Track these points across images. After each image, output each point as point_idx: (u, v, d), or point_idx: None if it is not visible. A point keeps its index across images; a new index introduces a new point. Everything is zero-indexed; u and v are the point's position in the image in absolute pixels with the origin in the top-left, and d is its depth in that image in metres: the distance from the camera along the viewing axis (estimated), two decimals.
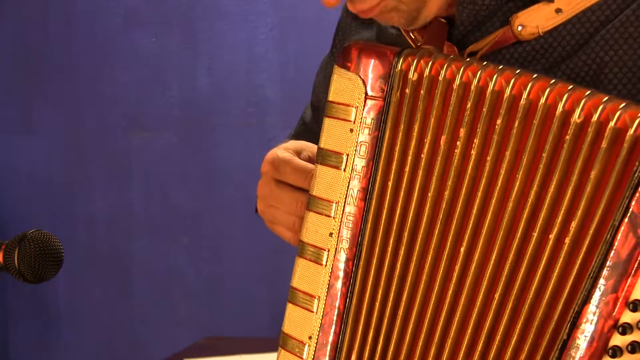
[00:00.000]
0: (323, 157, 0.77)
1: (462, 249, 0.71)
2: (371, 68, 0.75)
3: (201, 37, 2.79)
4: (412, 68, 0.73)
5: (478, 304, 0.70)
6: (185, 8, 2.80)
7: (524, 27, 0.84)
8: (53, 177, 2.88)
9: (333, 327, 0.76)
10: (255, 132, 2.77)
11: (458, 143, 0.71)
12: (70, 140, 2.87)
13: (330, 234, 0.77)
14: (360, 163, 0.75)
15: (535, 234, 0.67)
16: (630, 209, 0.62)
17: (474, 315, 0.71)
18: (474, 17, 0.85)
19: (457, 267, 0.71)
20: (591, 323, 0.63)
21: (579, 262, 0.65)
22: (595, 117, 0.64)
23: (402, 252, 0.74)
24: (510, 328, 0.69)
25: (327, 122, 0.77)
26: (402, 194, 0.74)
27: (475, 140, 0.70)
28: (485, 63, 0.71)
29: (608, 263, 0.63)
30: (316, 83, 1.18)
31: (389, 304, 0.75)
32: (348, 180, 0.76)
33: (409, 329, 0.74)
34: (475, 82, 0.70)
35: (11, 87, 2.90)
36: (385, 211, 0.75)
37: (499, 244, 0.69)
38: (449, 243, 0.72)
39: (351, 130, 0.76)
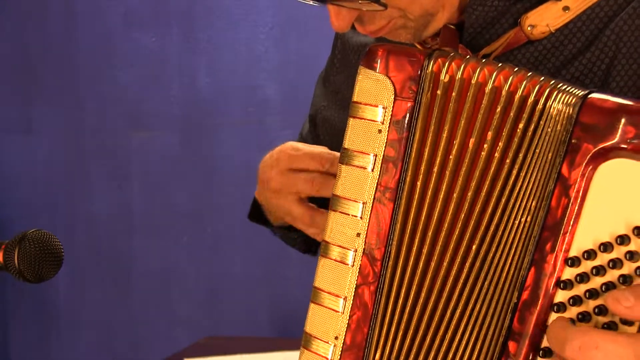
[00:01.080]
0: (349, 158, 0.77)
1: (474, 247, 0.73)
2: (400, 69, 0.75)
3: (201, 36, 2.79)
4: (444, 70, 0.74)
5: (496, 296, 0.71)
6: (186, 8, 2.80)
7: (534, 27, 0.85)
8: (53, 177, 2.88)
9: (362, 327, 0.77)
10: (255, 132, 2.77)
11: (485, 146, 0.72)
12: (70, 140, 2.87)
13: (358, 234, 0.77)
14: (388, 163, 0.76)
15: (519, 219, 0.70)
16: (561, 173, 0.66)
17: (485, 304, 0.72)
18: (482, 19, 0.87)
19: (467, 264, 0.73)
20: (536, 284, 0.67)
21: (527, 232, 0.69)
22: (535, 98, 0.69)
23: (424, 251, 0.75)
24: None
25: (352, 123, 0.77)
26: (429, 194, 0.75)
27: (500, 144, 0.71)
28: (517, 69, 0.73)
29: (547, 225, 0.67)
30: (315, 95, 1.19)
31: (419, 305, 0.75)
32: (377, 180, 0.76)
33: (439, 331, 0.74)
34: (506, 87, 0.72)
35: (11, 87, 2.90)
36: (413, 211, 0.75)
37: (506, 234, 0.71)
38: (464, 242, 0.73)
39: (379, 131, 0.76)
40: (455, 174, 0.74)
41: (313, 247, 1.18)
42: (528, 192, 0.69)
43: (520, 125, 0.70)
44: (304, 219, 0.92)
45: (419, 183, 0.75)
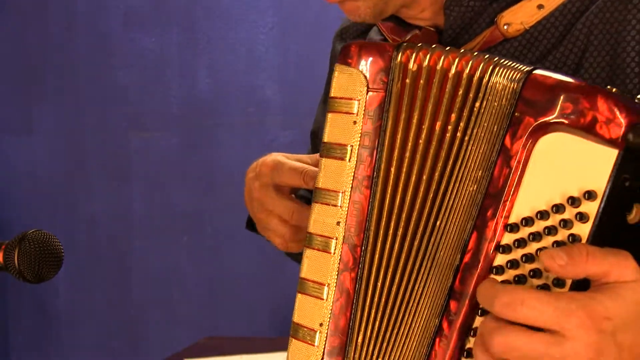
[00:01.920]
0: (328, 150, 0.81)
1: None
2: (371, 62, 0.79)
3: (201, 36, 2.79)
4: (412, 59, 0.77)
5: (442, 260, 0.74)
6: (186, 8, 2.80)
7: (509, 25, 0.89)
8: (53, 177, 2.88)
9: (345, 312, 0.79)
10: (255, 132, 2.77)
11: (449, 127, 0.75)
12: (71, 140, 2.87)
13: (338, 223, 0.79)
14: (364, 153, 0.79)
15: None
16: (504, 144, 0.70)
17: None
18: (460, 20, 0.90)
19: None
20: (477, 248, 0.71)
21: (472, 200, 0.73)
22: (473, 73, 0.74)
23: (399, 233, 0.77)
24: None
25: (330, 117, 0.81)
26: (402, 178, 0.77)
27: (461, 124, 0.75)
28: (476, 54, 0.76)
29: (489, 193, 0.71)
30: (317, 114, 1.22)
31: (394, 285, 0.77)
32: (353, 170, 0.79)
33: (411, 313, 0.76)
34: (467, 70, 0.75)
35: (11, 87, 2.90)
36: (388, 196, 0.78)
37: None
38: (424, 217, 0.76)
39: (354, 123, 0.79)
40: (424, 156, 0.77)
41: None
42: (475, 162, 0.73)
43: (477, 104, 0.74)
44: (285, 236, 0.93)
45: (392, 169, 0.78)
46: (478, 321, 0.71)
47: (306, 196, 1.01)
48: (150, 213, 2.83)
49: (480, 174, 0.72)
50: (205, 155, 2.80)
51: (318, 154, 0.92)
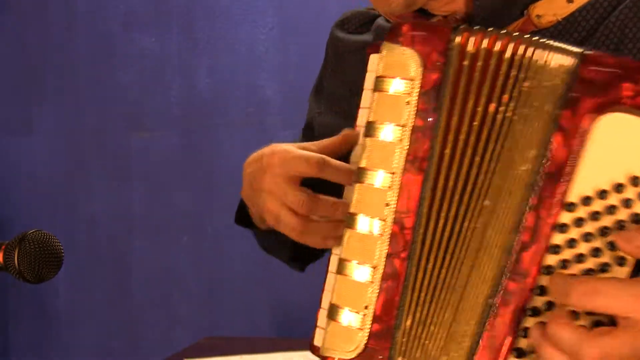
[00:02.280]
0: (375, 130, 0.79)
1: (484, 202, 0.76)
2: (427, 42, 0.78)
3: (201, 37, 2.79)
4: (471, 42, 0.77)
5: (499, 242, 0.74)
6: (186, 8, 2.80)
7: (541, 17, 0.90)
8: (53, 177, 2.88)
9: (392, 295, 0.77)
10: (255, 132, 2.77)
11: (501, 109, 0.75)
12: (71, 140, 2.87)
13: (387, 204, 0.78)
14: (418, 133, 0.77)
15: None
16: (561, 124, 0.71)
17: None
18: (490, 8, 0.91)
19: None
20: (534, 227, 0.71)
21: (527, 179, 0.73)
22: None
23: (459, 215, 0.77)
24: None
25: (378, 97, 0.79)
26: (455, 160, 0.77)
27: (511, 104, 0.75)
28: (527, 37, 0.76)
29: (546, 172, 0.71)
30: (309, 108, 1.20)
31: (444, 267, 0.77)
32: (406, 150, 0.77)
33: (459, 294, 0.76)
34: (519, 52, 0.75)
35: (11, 87, 2.90)
36: (442, 178, 0.77)
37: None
38: (479, 200, 0.76)
39: (407, 103, 0.78)
40: (477, 139, 0.76)
41: (301, 256, 1.16)
42: (526, 142, 0.73)
43: (526, 84, 0.74)
44: (296, 227, 0.89)
45: (447, 151, 0.77)
46: (536, 301, 0.72)
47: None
48: (150, 213, 2.83)
49: (533, 153, 0.72)
50: (205, 155, 2.80)
51: (323, 140, 0.91)
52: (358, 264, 0.79)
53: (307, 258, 1.17)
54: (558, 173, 0.70)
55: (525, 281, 0.71)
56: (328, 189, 0.86)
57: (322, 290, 0.88)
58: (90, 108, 2.85)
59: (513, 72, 0.75)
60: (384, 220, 0.78)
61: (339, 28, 1.14)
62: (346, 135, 0.88)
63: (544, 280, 0.71)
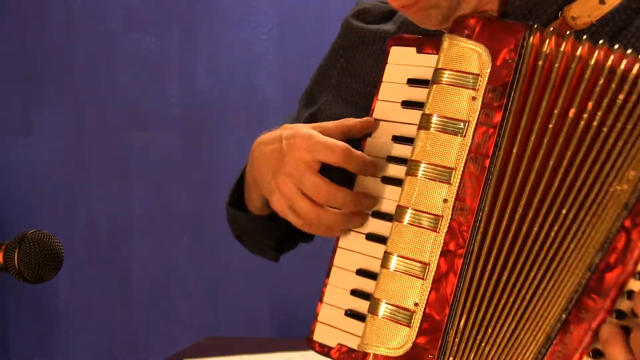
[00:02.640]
0: (435, 124, 0.77)
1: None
2: (497, 38, 0.76)
3: (201, 37, 2.79)
4: (547, 42, 0.76)
5: (581, 258, 0.73)
6: (186, 8, 2.80)
7: (577, 18, 0.89)
8: (53, 177, 2.87)
9: (447, 294, 0.75)
10: (255, 133, 2.75)
11: (585, 116, 0.73)
12: (71, 140, 2.87)
13: (445, 200, 0.76)
14: (482, 130, 0.75)
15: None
16: None
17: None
18: (525, 6, 0.90)
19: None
20: (625, 249, 0.69)
21: (623, 200, 0.72)
22: None
23: (516, 217, 0.75)
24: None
25: (438, 89, 0.77)
26: (525, 161, 0.75)
27: (598, 113, 0.73)
28: (617, 47, 0.74)
29: None
30: (301, 107, 1.20)
31: (506, 270, 0.75)
32: (468, 146, 0.75)
33: (526, 301, 0.75)
34: (608, 62, 0.74)
35: (11, 87, 2.90)
36: (507, 178, 0.75)
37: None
38: (555, 207, 0.74)
39: (473, 98, 0.76)
40: (552, 142, 0.74)
41: (284, 249, 1.14)
42: (627, 161, 0.71)
43: (621, 97, 0.72)
44: (308, 214, 0.86)
45: (514, 150, 0.75)
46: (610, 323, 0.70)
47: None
48: (150, 213, 2.83)
49: (633, 174, 0.70)
50: (205, 155, 2.80)
51: (344, 120, 0.88)
52: (409, 259, 0.76)
53: (286, 248, 1.15)
54: None
55: (603, 301, 0.69)
56: (332, 175, 0.84)
57: (324, 285, 0.87)
58: (90, 108, 2.85)
59: (601, 81, 0.73)
60: (440, 216, 0.76)
61: (356, 18, 1.11)
62: (368, 120, 0.86)
63: (624, 305, 0.69)
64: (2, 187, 2.90)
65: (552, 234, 0.74)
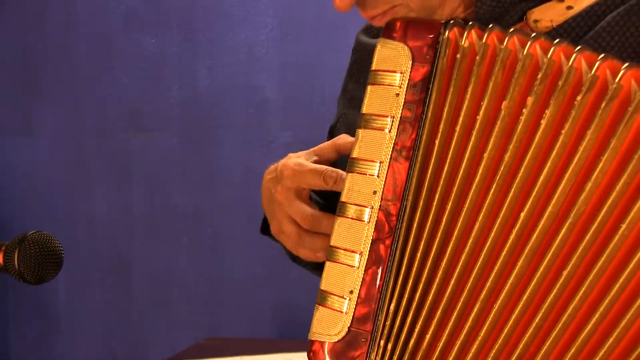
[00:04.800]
0: (367, 121, 0.81)
1: (522, 214, 0.74)
2: (417, 37, 0.80)
3: (201, 37, 2.79)
4: (464, 36, 0.78)
5: (537, 274, 0.73)
6: (185, 9, 2.80)
7: (538, 21, 0.90)
8: (53, 178, 2.87)
9: (376, 280, 0.79)
10: (255, 133, 2.77)
11: (524, 110, 0.74)
12: (70, 140, 2.87)
13: (374, 192, 0.79)
14: (405, 124, 0.79)
15: (623, 226, 0.70)
16: None
17: (531, 284, 0.74)
18: (490, 14, 0.91)
19: (513, 231, 0.74)
20: None
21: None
22: None
23: (448, 207, 0.77)
24: (575, 304, 0.72)
25: (371, 89, 0.81)
26: (450, 152, 0.77)
27: (546, 111, 0.73)
28: (557, 40, 0.74)
29: None
30: (338, 104, 1.22)
31: (430, 257, 0.77)
32: (393, 140, 0.79)
33: (450, 283, 0.77)
34: (549, 55, 0.74)
35: (11, 87, 2.90)
36: (431, 168, 0.78)
37: (570, 219, 0.72)
38: (504, 207, 0.75)
39: (397, 95, 0.79)
40: (483, 134, 0.76)
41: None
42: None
43: (578, 98, 0.72)
44: (292, 237, 0.93)
45: (437, 141, 0.77)
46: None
47: (317, 200, 1.01)
48: (150, 213, 2.83)
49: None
50: (205, 155, 2.80)
51: (335, 138, 0.94)
52: (346, 250, 0.80)
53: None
54: None
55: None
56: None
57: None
58: (90, 108, 2.85)
59: (539, 75, 0.74)
60: (371, 207, 0.79)
61: (364, 32, 1.15)
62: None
63: None
64: (2, 187, 2.90)
65: (478, 220, 0.75)
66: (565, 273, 0.72)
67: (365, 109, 0.81)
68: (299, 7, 2.72)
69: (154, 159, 2.82)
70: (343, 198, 0.81)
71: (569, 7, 0.90)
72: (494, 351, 0.75)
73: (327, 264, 0.82)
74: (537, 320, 0.73)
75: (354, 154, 0.81)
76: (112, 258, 2.86)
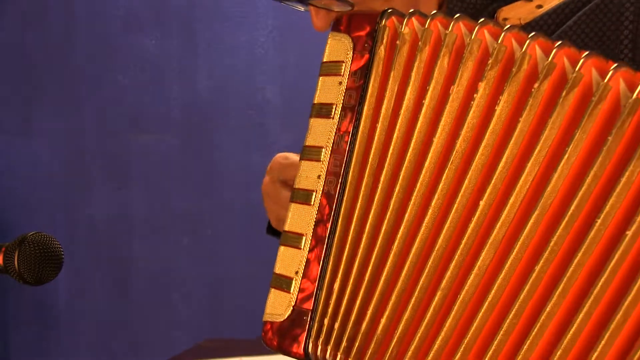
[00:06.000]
0: (316, 111, 0.84)
1: (482, 203, 0.72)
2: (358, 27, 0.83)
3: (201, 39, 2.79)
4: (404, 23, 0.79)
5: (481, 255, 0.71)
6: (186, 10, 2.80)
7: (507, 20, 0.91)
8: (53, 179, 2.87)
9: (318, 260, 0.81)
10: (255, 134, 2.77)
11: (475, 95, 0.73)
12: (71, 142, 2.87)
13: (319, 176, 0.82)
14: (347, 110, 0.82)
15: (598, 221, 0.67)
16: None
17: (474, 269, 0.72)
18: (463, 12, 0.89)
19: (472, 220, 0.72)
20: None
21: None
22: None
23: (396, 190, 0.77)
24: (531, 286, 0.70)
25: (321, 80, 0.84)
26: (395, 134, 0.78)
27: (500, 97, 0.72)
28: (508, 27, 0.73)
29: None
30: None
31: (377, 238, 0.78)
32: (336, 126, 0.82)
33: (387, 260, 0.77)
34: (499, 40, 0.73)
35: (11, 87, 2.90)
36: (373, 151, 0.79)
37: (536, 212, 0.69)
38: (460, 192, 0.73)
39: (340, 83, 0.82)
40: (431, 118, 0.76)
41: None
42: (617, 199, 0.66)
43: (535, 86, 0.70)
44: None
45: (378, 125, 0.79)
46: None
47: None
48: (151, 215, 2.83)
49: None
50: (205, 157, 2.80)
51: None
52: (293, 233, 0.83)
53: None
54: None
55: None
56: None
57: None
58: (90, 109, 2.85)
59: (490, 60, 0.72)
60: (315, 191, 0.82)
61: None
62: None
63: None
64: (2, 187, 2.90)
65: (412, 202, 0.76)
66: (537, 268, 0.68)
67: (315, 99, 0.84)
68: (299, 10, 2.72)
69: (154, 160, 2.82)
70: (295, 184, 0.84)
71: (539, 6, 0.91)
72: (443, 332, 0.73)
73: (280, 248, 0.84)
74: (483, 310, 0.71)
75: (306, 142, 0.84)
76: (112, 258, 2.86)
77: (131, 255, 2.85)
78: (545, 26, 0.91)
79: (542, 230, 0.69)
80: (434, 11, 0.78)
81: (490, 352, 0.70)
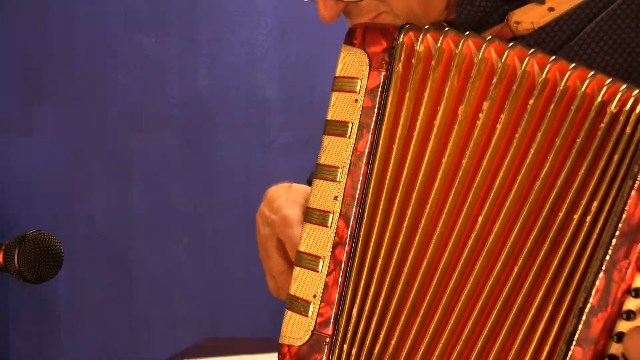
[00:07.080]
0: (329, 128, 0.82)
1: (480, 219, 0.74)
2: (375, 42, 0.80)
3: (201, 38, 2.79)
4: (419, 40, 0.77)
5: (494, 273, 0.73)
6: (186, 9, 2.80)
7: (519, 23, 0.89)
8: (53, 178, 2.87)
9: (337, 284, 0.80)
10: (255, 133, 2.77)
11: (480, 115, 0.74)
12: (71, 140, 2.87)
13: (335, 197, 0.80)
14: (363, 129, 0.80)
15: (560, 214, 0.71)
16: (638, 180, 0.67)
17: (488, 283, 0.73)
18: (471, 19, 0.90)
19: (472, 235, 0.74)
20: (605, 289, 0.67)
21: (594, 236, 0.69)
22: (627, 107, 0.69)
23: (409, 212, 0.77)
24: (528, 299, 0.72)
25: (334, 96, 0.82)
26: (409, 156, 0.77)
27: (501, 116, 0.73)
28: (512, 44, 0.74)
29: (618, 232, 0.67)
30: None
31: (392, 261, 0.78)
32: (352, 146, 0.80)
33: (414, 286, 0.77)
34: (503, 59, 0.74)
35: (11, 87, 2.90)
36: (389, 172, 0.78)
37: (522, 218, 0.72)
38: (464, 211, 0.75)
39: (356, 101, 0.80)
40: (441, 139, 0.76)
41: None
42: (586, 191, 0.69)
43: (530, 102, 0.72)
44: (272, 289, 0.97)
45: (394, 146, 0.78)
46: None
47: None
48: (151, 214, 2.83)
49: (595, 204, 0.69)
50: (205, 156, 2.80)
51: None
52: (310, 255, 0.82)
53: None
54: (634, 233, 0.66)
55: (593, 348, 0.68)
56: None
57: None
58: (90, 108, 2.85)
59: (494, 79, 0.73)
60: (332, 212, 0.81)
61: None
62: None
63: (614, 349, 0.68)
64: (2, 187, 2.90)
65: (439, 225, 0.76)
66: (546, 281, 0.71)
67: (329, 116, 0.82)
68: (299, 7, 2.72)
69: (154, 159, 2.82)
70: (309, 204, 0.83)
71: (551, 9, 0.89)
72: (456, 352, 0.74)
73: (295, 269, 0.83)
74: (506, 326, 0.72)
75: (319, 161, 0.82)
76: (112, 258, 2.86)
77: (131, 254, 2.85)
78: (561, 32, 0.89)
79: (534, 238, 0.72)
80: (447, 29, 0.77)
81: None
